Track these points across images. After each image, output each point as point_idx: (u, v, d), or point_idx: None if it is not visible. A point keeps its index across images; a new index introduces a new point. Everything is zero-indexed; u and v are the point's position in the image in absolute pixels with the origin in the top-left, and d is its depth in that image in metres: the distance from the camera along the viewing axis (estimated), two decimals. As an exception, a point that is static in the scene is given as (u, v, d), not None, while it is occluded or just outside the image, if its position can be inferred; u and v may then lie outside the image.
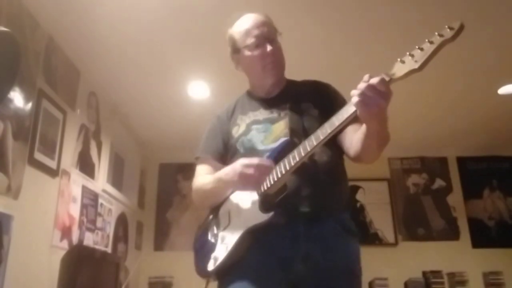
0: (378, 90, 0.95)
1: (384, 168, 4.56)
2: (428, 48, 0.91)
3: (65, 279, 2.27)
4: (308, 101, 1.32)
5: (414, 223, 4.37)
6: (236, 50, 1.38)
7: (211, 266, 1.21)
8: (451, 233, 4.33)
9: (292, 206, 1.15)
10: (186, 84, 3.11)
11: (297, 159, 1.09)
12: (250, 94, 1.45)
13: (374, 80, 0.95)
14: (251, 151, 1.27)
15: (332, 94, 1.35)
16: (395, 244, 4.28)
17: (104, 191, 3.20)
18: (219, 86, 3.09)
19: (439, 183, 4.53)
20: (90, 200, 2.92)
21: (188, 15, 2.36)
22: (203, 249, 1.28)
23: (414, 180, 4.55)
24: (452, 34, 0.90)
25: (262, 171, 1.13)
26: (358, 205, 4.45)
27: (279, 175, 1.12)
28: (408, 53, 0.94)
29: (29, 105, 2.17)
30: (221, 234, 1.25)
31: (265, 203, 1.14)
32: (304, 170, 1.15)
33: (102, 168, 3.19)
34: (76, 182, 2.70)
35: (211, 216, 1.33)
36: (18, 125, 2.06)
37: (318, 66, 2.74)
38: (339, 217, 1.23)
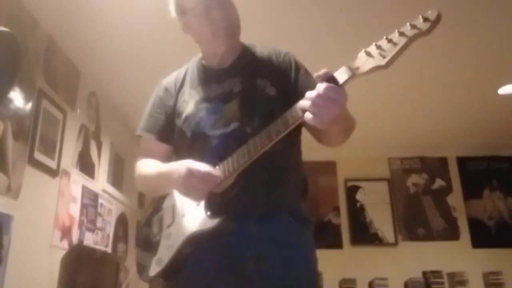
0: (330, 98, 0.85)
1: (384, 168, 4.56)
2: (398, 41, 0.80)
3: (65, 279, 2.27)
4: (265, 77, 1.16)
5: (414, 223, 4.37)
6: (182, 11, 1.21)
7: (153, 271, 1.11)
8: (451, 233, 4.33)
9: (241, 207, 1.05)
10: (186, 84, 3.11)
11: (246, 158, 0.99)
12: (201, 63, 1.27)
13: (324, 90, 0.86)
14: (199, 136, 1.14)
15: (293, 67, 1.20)
16: (395, 244, 4.28)
17: (104, 191, 3.20)
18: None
19: (439, 183, 4.53)
20: (90, 200, 2.92)
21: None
22: (145, 249, 1.17)
23: (414, 180, 4.56)
24: (427, 26, 0.78)
25: (209, 183, 1.00)
26: (358, 205, 4.45)
27: (227, 174, 1.02)
28: (374, 44, 0.83)
29: (29, 105, 2.17)
30: (164, 232, 1.13)
31: (212, 204, 1.04)
32: (256, 164, 1.02)
33: (102, 168, 3.19)
34: (76, 182, 2.70)
35: (154, 208, 1.22)
36: (18, 125, 2.06)
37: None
38: (293, 208, 1.14)
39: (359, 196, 4.48)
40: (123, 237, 3.66)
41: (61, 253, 2.37)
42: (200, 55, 1.30)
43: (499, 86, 3.22)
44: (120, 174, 4.01)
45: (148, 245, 1.17)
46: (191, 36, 1.25)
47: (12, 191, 1.98)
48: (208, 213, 1.04)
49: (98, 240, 3.02)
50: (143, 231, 1.23)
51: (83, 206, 2.78)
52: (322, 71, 0.89)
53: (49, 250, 2.32)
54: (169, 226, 1.13)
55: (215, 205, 1.04)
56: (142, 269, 1.16)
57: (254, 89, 1.15)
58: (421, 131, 4.03)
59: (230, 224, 1.03)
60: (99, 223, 3.05)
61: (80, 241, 2.71)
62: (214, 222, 1.02)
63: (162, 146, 1.23)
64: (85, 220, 2.80)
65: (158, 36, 2.53)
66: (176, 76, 1.29)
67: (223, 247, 1.06)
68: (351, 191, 4.49)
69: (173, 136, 1.21)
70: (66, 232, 2.51)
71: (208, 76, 1.23)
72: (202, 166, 1.01)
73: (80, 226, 2.72)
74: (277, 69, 1.20)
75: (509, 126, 3.89)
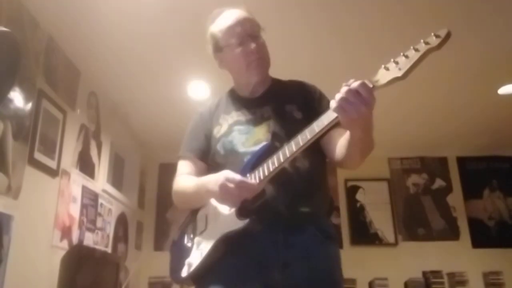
0: (360, 95, 0.92)
1: (384, 168, 4.57)
2: (413, 55, 0.89)
3: (65, 279, 2.27)
4: (292, 103, 1.28)
5: (414, 223, 4.37)
6: (218, 48, 1.34)
7: (184, 272, 1.19)
8: (451, 233, 4.33)
9: (270, 213, 1.11)
10: (186, 84, 3.11)
11: (276, 165, 1.07)
12: (234, 93, 1.41)
13: (356, 85, 0.92)
14: (231, 153, 1.24)
15: (317, 96, 1.32)
16: (395, 244, 4.28)
17: (104, 191, 3.20)
18: (219, 86, 3.07)
19: (439, 183, 4.53)
20: (90, 200, 2.92)
21: (188, 15, 2.35)
22: (178, 254, 1.26)
23: (414, 180, 4.56)
24: (438, 42, 0.87)
25: (244, 189, 1.07)
26: (358, 205, 4.45)
27: (257, 181, 1.09)
28: (392, 60, 0.92)
29: (29, 105, 2.17)
30: (197, 239, 1.22)
31: (242, 209, 1.10)
32: (285, 176, 1.13)
33: (102, 168, 3.19)
34: (76, 182, 2.70)
35: (188, 219, 1.31)
36: (18, 125, 2.06)
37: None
38: (319, 223, 1.19)
39: (359, 196, 4.48)
40: (123, 237, 3.67)
41: (61, 253, 2.37)
42: (232, 86, 1.43)
43: (499, 86, 3.22)
44: (120, 174, 4.01)
45: (181, 249, 1.26)
46: (227, 70, 1.39)
47: (12, 191, 1.98)
48: (239, 216, 1.11)
49: (98, 240, 3.02)
50: (179, 236, 1.31)
51: (83, 206, 2.78)
52: (350, 81, 0.95)
53: (49, 250, 2.32)
54: (202, 233, 1.22)
55: (245, 210, 1.11)
56: (174, 271, 1.26)
57: (283, 114, 1.26)
58: (421, 131, 4.04)
59: (259, 225, 1.09)
60: (99, 223, 3.05)
61: (80, 241, 2.71)
62: (244, 222, 1.09)
63: (200, 164, 1.33)
64: (85, 220, 2.80)
65: (158, 36, 2.53)
66: (211, 104, 1.43)
67: (251, 254, 1.12)
68: (351, 191, 4.49)
69: (209, 155, 1.32)
70: (66, 232, 2.51)
71: (241, 104, 1.35)
72: (238, 175, 1.10)
73: (80, 226, 2.72)
74: (303, 96, 1.32)
75: (509, 126, 3.89)
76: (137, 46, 2.63)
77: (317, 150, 1.22)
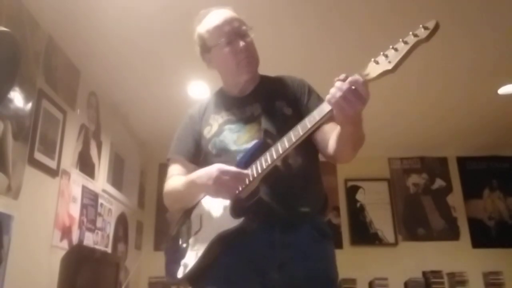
0: (359, 93, 0.93)
1: (384, 168, 4.57)
2: (402, 48, 0.89)
3: (65, 279, 2.27)
4: (282, 100, 1.28)
5: (414, 223, 4.37)
6: (206, 49, 1.33)
7: (180, 274, 1.18)
8: (451, 233, 4.33)
9: (265, 211, 1.10)
10: (186, 84, 3.11)
11: (269, 161, 1.06)
12: (223, 92, 1.40)
13: (354, 82, 0.93)
14: (223, 152, 1.23)
15: (306, 91, 1.31)
16: (395, 244, 4.28)
17: (104, 191, 3.20)
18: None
19: (439, 183, 4.53)
20: (90, 200, 2.92)
21: (188, 15, 2.35)
22: (173, 255, 1.25)
23: (414, 180, 4.56)
24: (426, 34, 0.88)
25: (238, 180, 1.08)
26: (358, 205, 4.45)
27: (251, 178, 1.09)
28: (382, 53, 0.92)
29: (29, 105, 2.17)
30: (192, 239, 1.20)
31: (236, 207, 1.10)
32: (278, 173, 1.12)
33: (102, 168, 3.19)
34: (76, 182, 2.70)
35: (183, 219, 1.29)
36: (18, 125, 2.06)
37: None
38: (315, 221, 1.18)
39: (359, 196, 4.48)
40: (123, 237, 3.67)
41: (61, 253, 2.37)
42: (221, 86, 1.43)
43: (499, 86, 3.22)
44: (120, 174, 4.01)
45: (176, 250, 1.24)
46: (216, 70, 1.38)
47: (12, 191, 1.98)
48: (234, 215, 1.09)
49: (98, 240, 3.02)
50: (174, 237, 1.30)
51: (83, 206, 2.78)
52: (342, 75, 0.96)
53: (49, 250, 2.32)
54: (196, 233, 1.20)
55: (239, 209, 1.10)
56: (169, 272, 1.24)
57: (273, 110, 1.25)
58: (421, 131, 4.03)
59: (254, 223, 1.08)
60: (99, 223, 3.05)
61: (80, 241, 2.71)
62: (239, 220, 1.07)
63: (190, 167, 1.31)
64: (85, 220, 2.80)
65: (158, 36, 2.53)
66: (200, 105, 1.41)
67: (247, 254, 1.11)
68: (351, 191, 4.49)
69: (200, 157, 1.31)
70: (66, 232, 2.51)
71: (230, 103, 1.33)
72: (232, 167, 1.10)
73: (80, 226, 2.72)
74: (292, 92, 1.31)
75: (509, 126, 3.89)
76: (137, 46, 2.63)
77: (309, 146, 1.22)
